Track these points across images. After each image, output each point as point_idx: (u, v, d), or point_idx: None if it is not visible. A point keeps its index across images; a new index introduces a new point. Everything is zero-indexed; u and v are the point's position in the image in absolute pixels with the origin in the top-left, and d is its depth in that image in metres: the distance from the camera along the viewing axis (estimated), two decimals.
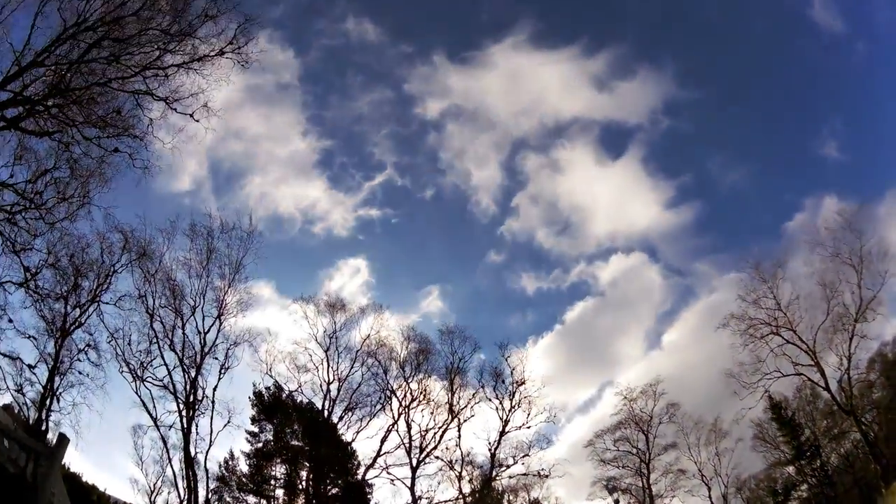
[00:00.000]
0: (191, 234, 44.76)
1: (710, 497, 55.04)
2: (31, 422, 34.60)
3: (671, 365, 74.11)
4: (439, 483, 51.98)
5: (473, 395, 53.58)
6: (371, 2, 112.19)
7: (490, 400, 53.40)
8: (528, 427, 52.66)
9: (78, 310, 38.60)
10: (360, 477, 49.83)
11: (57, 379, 36.37)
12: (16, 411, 33.76)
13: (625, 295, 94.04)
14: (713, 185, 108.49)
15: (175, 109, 29.15)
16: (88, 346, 38.25)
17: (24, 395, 34.70)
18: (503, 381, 53.50)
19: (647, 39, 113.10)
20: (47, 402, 35.55)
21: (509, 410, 52.80)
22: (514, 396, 53.12)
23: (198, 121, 29.60)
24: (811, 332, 43.34)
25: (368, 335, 52.37)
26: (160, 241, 43.54)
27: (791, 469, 52.07)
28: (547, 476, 52.34)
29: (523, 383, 53.13)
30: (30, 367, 33.85)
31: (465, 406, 53.33)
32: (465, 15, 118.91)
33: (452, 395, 53.25)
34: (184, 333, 43.51)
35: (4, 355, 31.28)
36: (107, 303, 40.06)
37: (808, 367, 43.87)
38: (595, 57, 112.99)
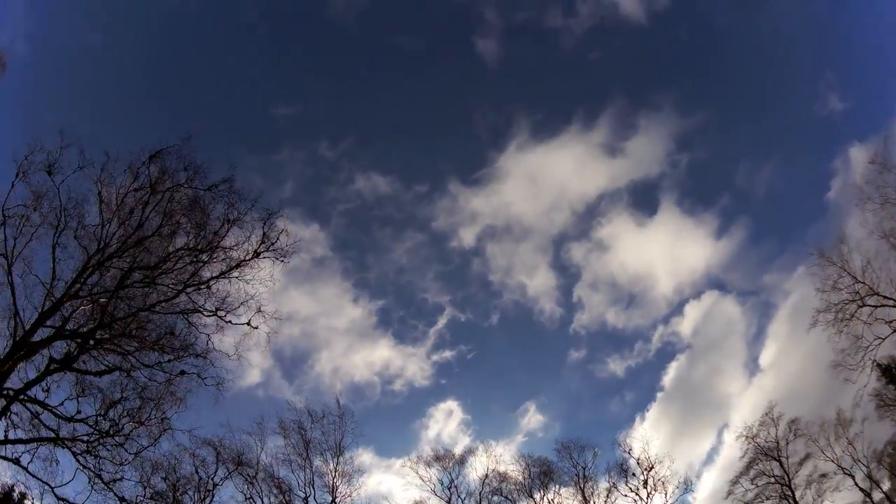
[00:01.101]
0: (282, 431, 44.32)
1: (856, 484, 50.19)
2: None
3: (778, 383, 68.74)
4: None
5: (608, 496, 50.99)
6: (371, 156, 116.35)
7: (626, 495, 50.66)
8: None
9: None
10: None
11: None
12: None
13: (711, 337, 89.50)
14: (749, 195, 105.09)
15: (230, 322, 28.39)
16: None
17: None
18: (633, 473, 51.06)
19: (634, 88, 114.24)
20: None
21: (647, 497, 50.02)
22: (647, 483, 50.38)
23: (256, 327, 28.80)
24: (893, 285, 40.14)
25: (486, 474, 50.58)
26: (252, 444, 42.73)
27: None
28: None
29: (652, 468, 50.66)
30: None
31: None
32: (463, 136, 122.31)
33: (587, 502, 50.67)
34: None
35: None
36: None
37: None
38: (595, 127, 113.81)
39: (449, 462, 50.96)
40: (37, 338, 23.80)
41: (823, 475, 51.51)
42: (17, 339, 23.04)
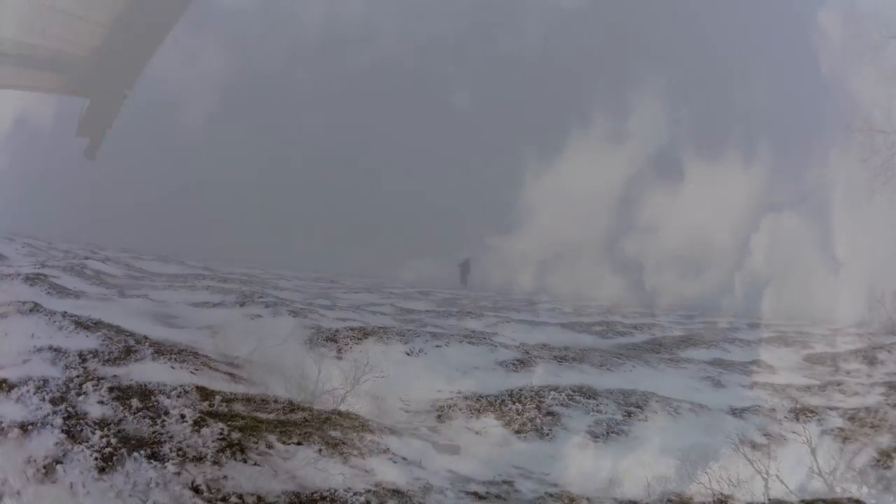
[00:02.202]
0: None
1: None
2: None
3: (863, 267, 65.47)
4: None
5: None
6: (404, 249, 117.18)
7: (786, 437, 48.84)
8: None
9: None
10: None
11: None
12: None
13: (785, 259, 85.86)
14: (757, 116, 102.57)
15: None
16: None
17: None
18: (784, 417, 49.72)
19: (610, 69, 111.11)
20: None
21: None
22: (798, 417, 48.96)
23: (386, 449, 28.50)
24: None
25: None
26: None
27: None
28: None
29: (801, 411, 49.09)
30: None
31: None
32: (479, 190, 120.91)
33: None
34: None
35: None
36: None
37: None
38: (593, 122, 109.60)
39: None
40: None
41: None
42: None
